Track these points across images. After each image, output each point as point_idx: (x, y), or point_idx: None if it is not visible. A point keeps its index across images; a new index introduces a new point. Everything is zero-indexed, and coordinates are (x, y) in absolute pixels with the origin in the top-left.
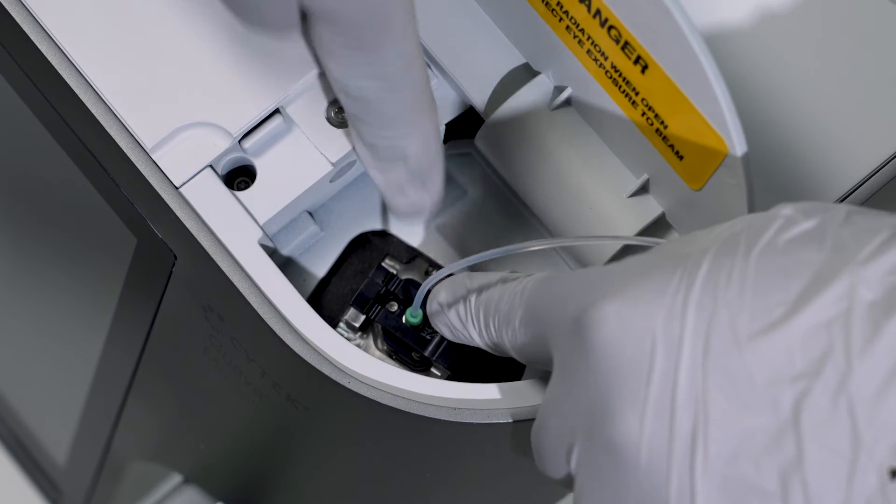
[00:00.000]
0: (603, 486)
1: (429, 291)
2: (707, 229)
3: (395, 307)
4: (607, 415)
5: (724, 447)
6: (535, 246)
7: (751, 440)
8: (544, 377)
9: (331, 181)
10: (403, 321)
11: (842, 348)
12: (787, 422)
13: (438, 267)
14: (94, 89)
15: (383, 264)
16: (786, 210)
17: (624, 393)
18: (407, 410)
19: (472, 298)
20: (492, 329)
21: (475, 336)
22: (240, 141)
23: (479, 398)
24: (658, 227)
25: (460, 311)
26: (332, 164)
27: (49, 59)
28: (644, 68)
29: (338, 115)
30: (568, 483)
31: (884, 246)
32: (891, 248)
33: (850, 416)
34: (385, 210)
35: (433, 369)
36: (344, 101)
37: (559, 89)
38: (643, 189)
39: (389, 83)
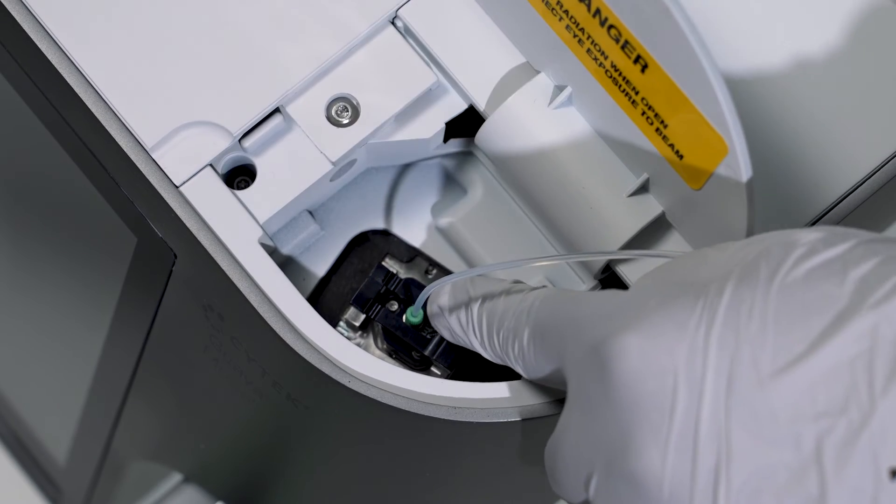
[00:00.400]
0: None
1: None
2: (719, 248)
3: (395, 306)
4: (629, 448)
5: (747, 484)
6: (545, 261)
7: (773, 476)
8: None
9: (331, 180)
10: (404, 320)
11: (865, 386)
12: (809, 459)
13: (439, 266)
14: (94, 88)
15: (383, 263)
16: (806, 237)
17: (646, 427)
18: (407, 409)
19: (475, 307)
20: (496, 341)
21: (476, 343)
22: (240, 140)
23: (479, 397)
24: (658, 226)
25: (461, 317)
26: (332, 164)
27: (49, 58)
28: (644, 68)
29: (338, 115)
30: None
31: None
32: None
33: (873, 454)
34: (386, 209)
35: (433, 368)
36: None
37: (559, 88)
38: (643, 188)
39: None
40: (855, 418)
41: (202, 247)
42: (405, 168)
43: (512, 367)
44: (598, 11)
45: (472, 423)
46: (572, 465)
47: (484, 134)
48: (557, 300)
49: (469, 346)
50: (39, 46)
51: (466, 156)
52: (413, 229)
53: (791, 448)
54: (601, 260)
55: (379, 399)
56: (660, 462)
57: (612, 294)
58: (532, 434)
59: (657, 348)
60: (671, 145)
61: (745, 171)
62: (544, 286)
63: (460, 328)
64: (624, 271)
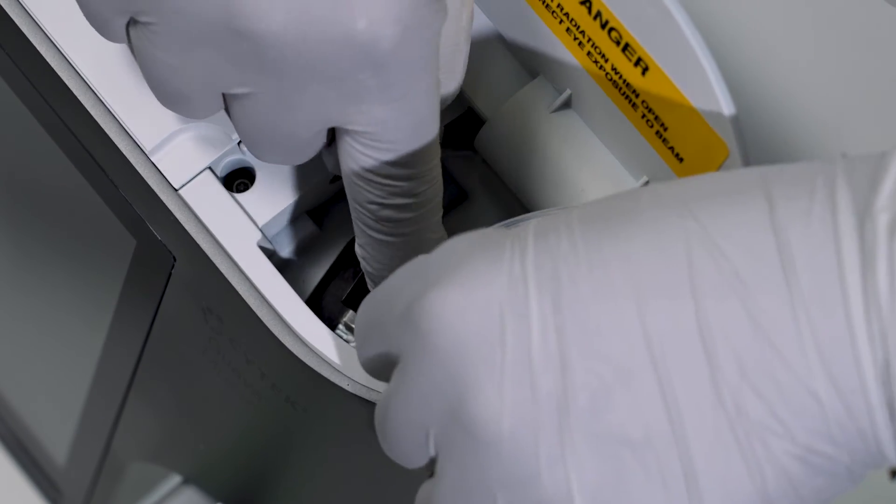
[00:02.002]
0: (466, 465)
1: None
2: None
3: None
4: (464, 391)
5: (589, 402)
6: None
7: (612, 390)
8: None
9: (330, 182)
10: None
11: (686, 280)
12: (644, 362)
13: None
14: (93, 91)
15: None
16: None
17: (478, 365)
18: None
19: None
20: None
21: None
22: (239, 143)
23: None
24: None
25: None
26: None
27: (48, 61)
28: (644, 70)
29: None
30: (431, 468)
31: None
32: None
33: (703, 344)
34: None
35: None
36: (367, 228)
37: (559, 91)
38: None
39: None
40: (683, 311)
41: (201, 249)
42: None
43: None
44: (598, 14)
45: None
46: (406, 426)
47: (483, 136)
48: (371, 295)
49: None
50: (38, 49)
51: (466, 158)
52: None
53: (626, 355)
54: None
55: (377, 402)
56: (497, 397)
57: (415, 263)
58: None
59: (476, 284)
60: (671, 148)
61: None
62: None
63: None
64: None
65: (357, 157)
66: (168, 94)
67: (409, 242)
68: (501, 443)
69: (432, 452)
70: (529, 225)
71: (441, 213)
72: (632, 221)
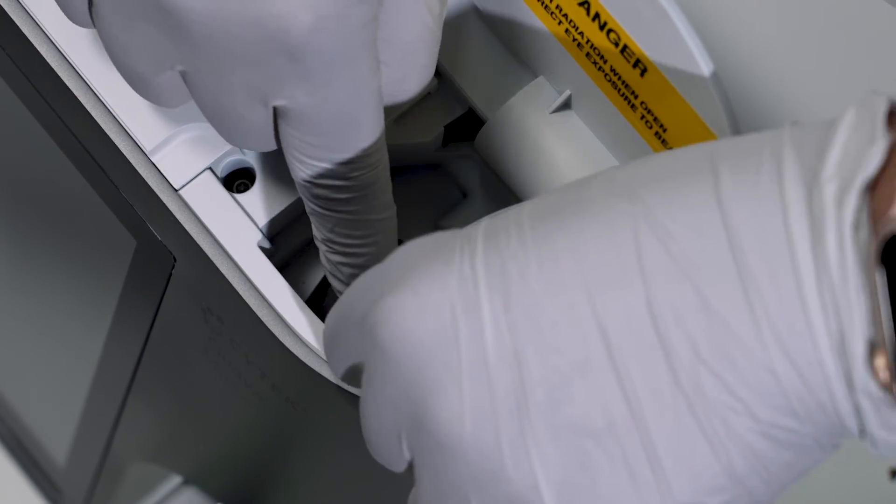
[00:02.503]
0: (437, 469)
1: None
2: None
3: None
4: (425, 395)
5: (547, 396)
6: None
7: (569, 383)
8: None
9: None
10: None
11: (635, 268)
12: (599, 353)
13: None
14: (93, 92)
15: None
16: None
17: (436, 368)
18: None
19: None
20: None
21: None
22: None
23: None
24: None
25: None
26: None
27: (49, 61)
28: (643, 72)
29: None
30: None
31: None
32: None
33: (654, 326)
34: None
35: None
36: (307, 200)
37: (558, 92)
38: None
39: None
40: (634, 298)
41: (201, 250)
42: (405, 170)
43: None
44: (597, 15)
45: None
46: (380, 433)
47: (483, 137)
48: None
49: None
50: (39, 50)
51: (466, 159)
52: (412, 233)
53: (580, 347)
54: None
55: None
56: (457, 398)
57: (369, 272)
58: None
59: (428, 288)
60: (670, 149)
61: None
62: None
63: None
64: None
65: (286, 136)
66: (127, 75)
67: (348, 221)
68: (465, 443)
69: (408, 457)
70: (480, 224)
71: (388, 195)
72: (581, 211)
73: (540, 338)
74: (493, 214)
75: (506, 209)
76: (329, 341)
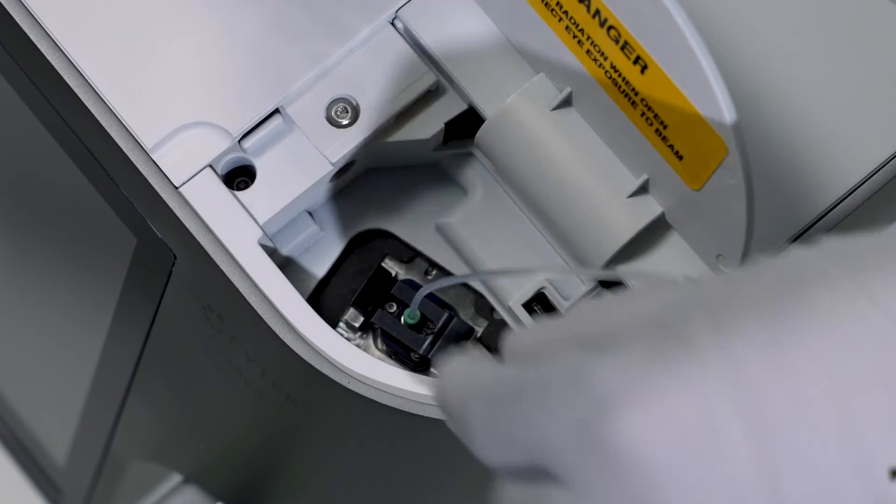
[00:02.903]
0: None
1: (427, 295)
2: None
3: (393, 308)
4: None
5: None
6: (547, 273)
7: None
8: None
9: (331, 181)
10: (402, 321)
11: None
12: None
13: (439, 267)
14: (93, 89)
15: (383, 264)
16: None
17: (676, 494)
18: (407, 410)
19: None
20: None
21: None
22: (240, 141)
23: None
24: (657, 227)
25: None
26: (332, 164)
27: (49, 58)
28: (643, 68)
29: (337, 116)
30: None
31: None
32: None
33: None
34: (385, 209)
35: (433, 369)
36: None
37: (559, 89)
38: (643, 189)
39: None
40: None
41: (202, 248)
42: (405, 169)
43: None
44: (597, 12)
45: None
46: None
47: (483, 134)
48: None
49: None
50: (39, 47)
51: (466, 156)
52: (413, 230)
53: (860, 485)
54: (594, 246)
55: (378, 400)
56: None
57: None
58: None
59: (663, 406)
60: (671, 146)
61: (744, 172)
62: None
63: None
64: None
65: None
66: None
67: None
68: None
69: None
70: (696, 321)
71: None
72: (808, 312)
73: (797, 468)
74: (688, 292)
75: (674, 280)
76: (493, 430)
